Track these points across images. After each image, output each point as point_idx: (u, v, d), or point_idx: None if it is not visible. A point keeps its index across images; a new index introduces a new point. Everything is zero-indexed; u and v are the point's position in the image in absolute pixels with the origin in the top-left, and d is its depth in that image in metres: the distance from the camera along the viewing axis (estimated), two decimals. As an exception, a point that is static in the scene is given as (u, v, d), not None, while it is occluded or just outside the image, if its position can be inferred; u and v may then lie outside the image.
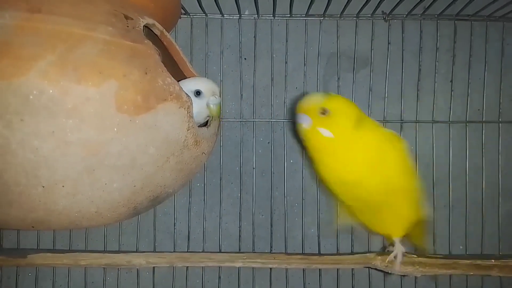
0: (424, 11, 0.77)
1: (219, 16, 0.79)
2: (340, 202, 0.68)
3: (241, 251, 0.78)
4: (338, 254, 0.72)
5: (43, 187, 0.51)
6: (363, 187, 0.61)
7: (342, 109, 0.61)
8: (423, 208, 0.68)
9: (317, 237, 0.79)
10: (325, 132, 0.59)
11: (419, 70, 0.79)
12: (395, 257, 0.66)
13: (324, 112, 0.59)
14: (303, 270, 0.78)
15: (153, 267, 0.76)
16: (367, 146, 0.60)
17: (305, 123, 0.59)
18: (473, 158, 0.79)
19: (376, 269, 0.68)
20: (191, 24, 0.79)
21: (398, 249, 0.66)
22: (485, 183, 0.79)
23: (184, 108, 0.56)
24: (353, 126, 0.60)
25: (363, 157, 0.60)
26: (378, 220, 0.67)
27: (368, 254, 0.68)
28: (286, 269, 0.79)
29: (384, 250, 0.71)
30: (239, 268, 0.77)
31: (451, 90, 0.80)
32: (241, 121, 0.80)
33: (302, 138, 0.61)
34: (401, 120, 0.79)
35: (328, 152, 0.60)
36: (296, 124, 0.61)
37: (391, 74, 0.79)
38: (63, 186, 0.51)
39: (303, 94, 0.79)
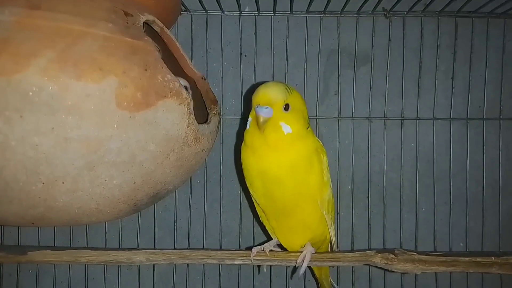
0: (425, 8, 0.77)
1: (219, 12, 0.79)
2: (258, 208, 0.67)
3: (242, 248, 0.78)
4: (338, 251, 0.72)
5: (43, 183, 0.51)
6: (280, 186, 0.60)
7: (300, 106, 0.60)
8: (331, 229, 0.67)
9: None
10: (286, 127, 0.58)
11: (420, 67, 0.79)
12: (303, 259, 0.64)
13: (287, 108, 0.58)
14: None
15: (154, 264, 0.76)
16: (296, 146, 0.60)
17: (268, 116, 0.57)
18: (473, 155, 0.79)
19: (376, 266, 0.68)
20: (191, 21, 0.79)
21: (308, 249, 0.65)
22: (485, 180, 0.79)
23: (184, 105, 0.56)
24: (306, 125, 0.61)
25: (289, 155, 0.59)
26: (287, 228, 0.65)
27: (368, 251, 0.67)
28: (286, 267, 0.79)
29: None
30: (239, 265, 0.78)
31: (452, 87, 0.79)
32: (241, 118, 0.80)
33: (257, 129, 0.58)
34: (401, 117, 0.79)
35: (273, 146, 0.59)
36: (253, 115, 0.59)
37: (391, 71, 0.79)
38: (63, 183, 0.52)
39: (304, 91, 0.79)
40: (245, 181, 0.64)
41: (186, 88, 0.60)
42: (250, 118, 0.62)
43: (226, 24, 0.80)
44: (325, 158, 0.63)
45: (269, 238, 0.70)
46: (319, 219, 0.64)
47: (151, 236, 0.79)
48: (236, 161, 0.79)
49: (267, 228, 0.70)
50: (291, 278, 0.80)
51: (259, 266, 0.77)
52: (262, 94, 0.58)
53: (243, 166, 0.63)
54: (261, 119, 0.57)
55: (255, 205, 0.68)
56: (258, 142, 0.59)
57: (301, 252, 0.65)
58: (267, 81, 0.62)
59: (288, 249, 0.68)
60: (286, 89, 0.59)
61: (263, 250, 0.65)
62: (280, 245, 0.69)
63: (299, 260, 0.64)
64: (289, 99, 0.58)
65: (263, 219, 0.69)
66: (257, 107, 0.58)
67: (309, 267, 0.77)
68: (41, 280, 0.80)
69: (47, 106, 0.48)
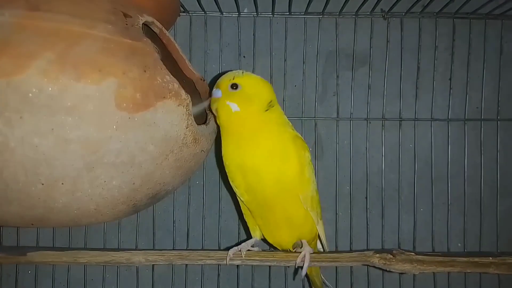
0: (423, 9, 0.77)
1: (218, 14, 0.79)
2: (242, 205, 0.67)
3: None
4: (336, 252, 0.72)
5: (43, 184, 0.51)
6: (259, 177, 0.60)
7: (253, 87, 0.61)
8: (318, 226, 0.67)
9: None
10: (233, 106, 0.60)
11: (418, 68, 0.79)
12: (302, 259, 0.64)
13: (234, 87, 0.60)
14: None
15: (152, 265, 0.76)
16: (271, 135, 0.61)
17: (216, 96, 0.61)
18: (471, 156, 0.79)
19: (374, 266, 0.68)
20: (190, 22, 0.79)
21: (306, 249, 0.64)
22: (483, 180, 0.79)
23: (183, 106, 0.56)
24: (262, 107, 0.61)
25: (265, 145, 0.60)
26: (272, 225, 0.65)
27: (366, 252, 0.68)
28: (285, 267, 0.79)
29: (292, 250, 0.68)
30: (238, 266, 0.78)
31: (450, 88, 0.80)
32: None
33: (214, 114, 0.62)
34: (400, 118, 0.79)
35: (234, 130, 0.61)
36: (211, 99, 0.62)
37: (390, 72, 0.79)
38: (62, 184, 0.52)
39: (302, 92, 0.79)
40: (229, 182, 0.64)
41: None
42: None
43: (225, 25, 0.80)
44: (306, 154, 0.63)
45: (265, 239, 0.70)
46: (303, 216, 0.64)
47: (150, 237, 0.79)
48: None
49: (249, 226, 0.69)
50: (294, 279, 0.80)
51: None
52: (218, 80, 0.62)
53: (224, 164, 0.63)
54: (211, 99, 0.62)
55: (239, 202, 0.67)
56: (222, 126, 0.62)
57: (298, 252, 0.65)
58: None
59: (278, 247, 0.68)
60: (238, 73, 0.62)
61: (240, 251, 0.65)
62: (267, 243, 0.69)
63: (298, 260, 0.64)
64: (236, 79, 0.61)
65: (247, 217, 0.69)
66: (212, 92, 0.62)
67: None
68: (40, 281, 0.80)
69: (46, 107, 0.48)
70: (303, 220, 0.65)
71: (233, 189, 0.64)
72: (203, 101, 0.69)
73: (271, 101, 0.62)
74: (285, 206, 0.62)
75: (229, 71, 0.63)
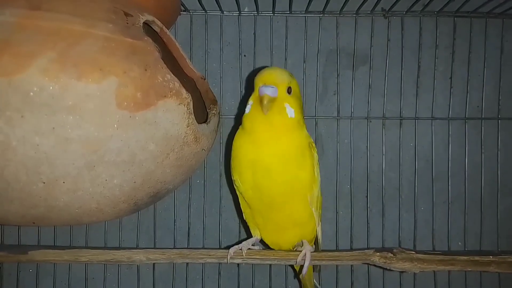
0: (423, 8, 0.77)
1: (218, 12, 0.79)
2: (244, 204, 0.66)
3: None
4: (337, 250, 0.72)
5: (44, 183, 0.51)
6: (271, 175, 0.58)
7: (299, 95, 0.61)
8: (318, 227, 0.67)
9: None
10: (290, 110, 0.58)
11: (419, 67, 0.79)
12: (303, 258, 0.64)
13: (289, 91, 0.58)
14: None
15: (153, 263, 0.76)
16: (291, 135, 0.59)
17: (274, 95, 0.56)
18: (472, 155, 0.79)
19: (375, 265, 0.69)
20: (191, 21, 0.79)
21: (307, 247, 0.64)
22: (484, 179, 0.79)
23: (184, 105, 0.56)
24: (303, 116, 0.61)
25: (283, 144, 0.58)
26: (274, 225, 0.65)
27: (366, 250, 0.68)
28: (286, 266, 0.79)
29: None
30: (238, 265, 0.78)
31: (450, 87, 0.80)
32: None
33: (259, 112, 0.57)
34: (400, 117, 0.79)
35: (263, 129, 0.58)
36: (257, 94, 0.58)
37: (390, 71, 0.79)
38: (63, 182, 0.52)
39: (303, 91, 0.79)
40: (230, 175, 0.64)
41: None
42: (250, 101, 0.60)
43: (226, 24, 0.80)
44: (316, 154, 0.63)
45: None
46: (308, 216, 0.64)
47: (151, 236, 0.79)
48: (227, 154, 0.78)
49: (250, 226, 0.69)
50: (294, 278, 0.80)
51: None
52: (268, 74, 0.58)
53: (233, 155, 0.62)
54: (267, 99, 0.56)
55: (240, 201, 0.67)
56: (259, 126, 0.58)
57: (298, 251, 0.65)
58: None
59: (275, 249, 0.68)
60: (289, 74, 0.59)
61: (241, 249, 0.65)
62: (264, 244, 0.69)
63: (299, 259, 0.64)
64: (292, 83, 0.58)
65: (247, 215, 0.68)
66: (261, 87, 0.56)
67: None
68: (41, 280, 0.80)
69: (47, 106, 0.48)
70: (307, 220, 0.65)
71: (236, 183, 0.63)
72: (203, 100, 0.69)
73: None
74: (292, 206, 0.62)
75: (264, 67, 0.60)
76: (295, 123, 0.59)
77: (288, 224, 0.64)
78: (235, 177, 0.63)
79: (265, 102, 0.56)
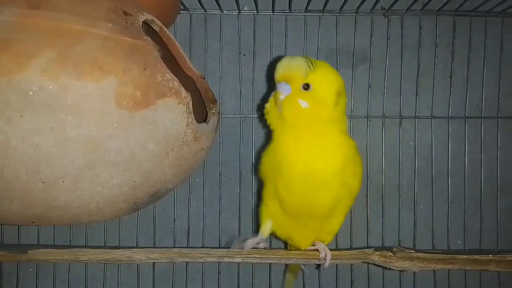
0: (423, 7, 0.77)
1: (218, 12, 0.79)
2: (273, 209, 0.63)
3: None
4: (336, 249, 0.72)
5: (43, 182, 0.51)
6: (327, 186, 0.56)
7: (324, 84, 0.56)
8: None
9: (316, 233, 0.79)
10: (303, 103, 0.55)
11: (418, 66, 0.79)
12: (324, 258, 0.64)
13: (306, 87, 0.55)
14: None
15: (153, 263, 0.76)
16: (342, 141, 0.57)
17: (284, 93, 0.55)
18: (471, 154, 0.79)
19: (374, 264, 0.69)
20: (190, 20, 0.79)
21: (321, 245, 0.64)
22: (483, 178, 0.79)
23: (183, 104, 0.56)
24: (332, 104, 0.56)
25: (338, 153, 0.56)
26: (303, 227, 0.63)
27: (366, 249, 0.68)
28: (285, 265, 0.79)
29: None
30: (238, 264, 0.78)
31: (450, 86, 0.80)
32: (240, 117, 0.80)
33: (278, 109, 0.57)
34: (400, 116, 0.79)
35: (301, 127, 0.55)
36: (274, 92, 0.58)
37: (390, 70, 0.79)
38: (63, 182, 0.52)
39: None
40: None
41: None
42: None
43: (225, 23, 0.80)
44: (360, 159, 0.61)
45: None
46: (343, 217, 0.64)
47: (151, 235, 0.79)
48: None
49: (262, 218, 0.65)
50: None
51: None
52: (281, 69, 0.56)
53: (283, 161, 0.57)
54: (276, 94, 0.56)
55: (266, 195, 0.63)
56: (281, 125, 0.57)
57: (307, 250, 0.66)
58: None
59: (294, 245, 0.68)
60: (309, 66, 0.55)
61: (243, 249, 0.64)
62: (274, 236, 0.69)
63: (322, 255, 0.64)
64: (310, 78, 0.55)
65: (275, 215, 0.63)
66: (277, 84, 0.56)
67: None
68: (41, 279, 0.80)
69: (47, 105, 0.48)
70: (341, 221, 0.65)
71: (279, 191, 0.60)
72: (203, 99, 0.69)
73: (340, 91, 0.58)
74: (335, 216, 0.62)
75: (286, 56, 0.57)
76: (317, 112, 0.55)
77: (318, 228, 0.63)
78: (283, 184, 0.58)
79: (277, 100, 0.56)
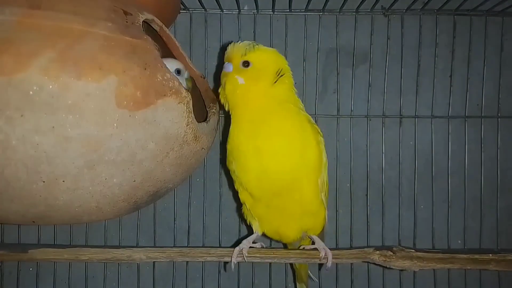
0: (423, 6, 0.77)
1: (218, 11, 0.79)
2: (245, 196, 0.64)
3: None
4: (337, 249, 0.72)
5: (44, 182, 0.51)
6: (280, 161, 0.58)
7: (263, 62, 0.61)
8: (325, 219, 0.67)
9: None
10: (240, 79, 0.60)
11: (418, 65, 0.79)
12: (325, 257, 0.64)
13: (246, 64, 0.60)
14: (303, 264, 0.78)
15: (153, 262, 0.76)
16: (288, 116, 0.60)
17: (227, 70, 0.61)
18: (472, 153, 0.79)
19: (374, 263, 0.69)
20: (190, 20, 0.79)
21: (321, 244, 0.65)
22: (483, 178, 0.79)
23: (184, 104, 0.56)
24: (269, 80, 0.61)
25: (284, 126, 0.59)
26: (280, 215, 0.63)
27: (366, 249, 0.68)
28: (285, 264, 0.79)
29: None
30: (238, 263, 0.78)
31: (450, 85, 0.80)
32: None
33: (223, 89, 0.62)
34: (400, 115, 0.79)
35: (244, 107, 0.60)
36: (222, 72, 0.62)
37: (390, 70, 0.79)
38: (63, 181, 0.52)
39: (303, 90, 0.79)
40: (230, 177, 0.63)
41: (179, 71, 0.62)
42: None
43: (225, 22, 0.80)
44: (322, 139, 0.63)
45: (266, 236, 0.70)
46: (319, 203, 0.64)
47: (151, 234, 0.79)
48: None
49: (249, 219, 0.67)
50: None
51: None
52: (227, 50, 0.62)
53: (235, 147, 0.61)
54: (222, 74, 0.61)
55: (240, 192, 0.65)
56: (231, 110, 0.62)
57: (301, 250, 0.65)
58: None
59: (282, 241, 0.68)
60: (250, 46, 0.61)
61: (241, 250, 0.64)
62: (265, 237, 0.68)
63: (322, 254, 0.64)
64: (249, 56, 0.60)
65: (250, 206, 0.65)
66: (224, 65, 0.62)
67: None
68: (41, 278, 0.80)
69: (47, 105, 0.48)
70: (318, 208, 0.64)
71: (238, 175, 0.62)
72: (203, 98, 0.69)
73: (279, 70, 0.62)
74: (302, 192, 0.61)
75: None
76: (253, 89, 0.60)
77: (297, 213, 0.63)
78: (239, 166, 0.61)
79: (221, 77, 0.62)
